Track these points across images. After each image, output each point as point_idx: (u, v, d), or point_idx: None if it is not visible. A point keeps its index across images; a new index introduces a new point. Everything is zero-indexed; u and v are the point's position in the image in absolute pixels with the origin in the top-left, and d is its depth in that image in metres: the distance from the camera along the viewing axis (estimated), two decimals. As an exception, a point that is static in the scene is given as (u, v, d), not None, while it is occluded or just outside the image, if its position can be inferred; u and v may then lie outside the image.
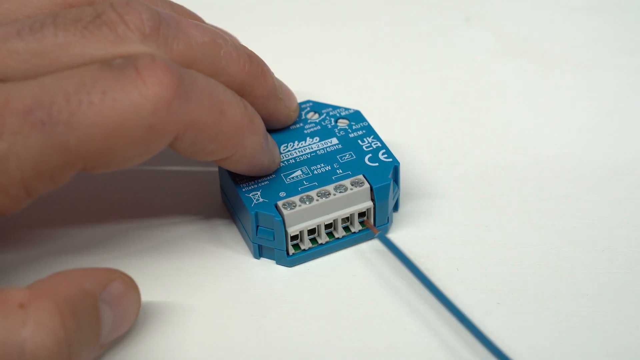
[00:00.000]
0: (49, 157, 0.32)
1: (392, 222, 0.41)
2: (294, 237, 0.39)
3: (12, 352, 0.31)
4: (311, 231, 0.39)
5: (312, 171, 0.39)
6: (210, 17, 0.42)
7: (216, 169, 0.42)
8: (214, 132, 0.35)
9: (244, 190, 0.39)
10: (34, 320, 0.31)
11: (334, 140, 0.41)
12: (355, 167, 0.39)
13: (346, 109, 0.42)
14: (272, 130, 0.41)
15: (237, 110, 0.36)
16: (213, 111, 0.35)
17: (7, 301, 0.31)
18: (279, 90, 0.40)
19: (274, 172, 0.39)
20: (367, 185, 0.39)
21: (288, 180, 0.39)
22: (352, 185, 0.39)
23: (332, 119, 0.42)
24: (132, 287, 0.36)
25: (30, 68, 0.34)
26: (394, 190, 0.40)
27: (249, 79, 0.38)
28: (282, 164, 0.40)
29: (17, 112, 0.32)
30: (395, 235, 0.40)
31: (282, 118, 0.41)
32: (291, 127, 0.41)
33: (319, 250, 0.39)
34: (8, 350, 0.31)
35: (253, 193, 0.38)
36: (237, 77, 0.38)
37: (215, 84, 0.36)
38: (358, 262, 0.39)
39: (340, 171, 0.39)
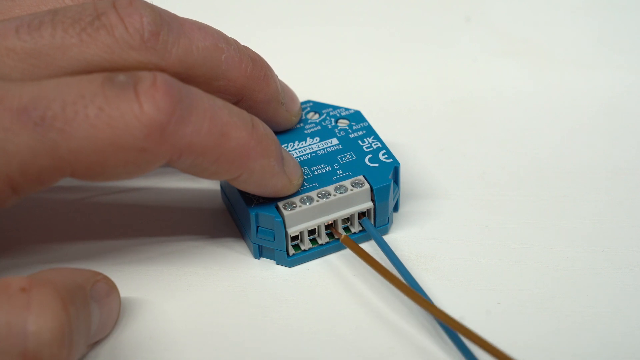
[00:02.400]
0: (37, 159, 0.33)
1: (392, 222, 0.41)
2: (294, 238, 0.39)
3: (17, 333, 0.31)
4: (311, 232, 0.39)
5: (313, 172, 0.39)
6: (210, 18, 0.42)
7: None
8: (215, 155, 0.35)
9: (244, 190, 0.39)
10: (37, 304, 0.31)
11: (334, 141, 0.41)
12: (355, 168, 0.39)
13: (346, 109, 0.42)
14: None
15: (242, 133, 0.35)
16: (213, 135, 0.35)
17: (8, 286, 0.32)
18: (281, 95, 0.40)
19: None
20: (367, 185, 0.39)
21: (288, 180, 0.39)
22: (353, 185, 0.39)
23: (333, 119, 0.42)
24: (114, 289, 0.36)
25: (26, 68, 0.34)
26: (394, 191, 0.40)
27: (251, 83, 0.38)
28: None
29: (11, 109, 0.32)
30: (395, 235, 0.40)
31: (282, 122, 0.40)
32: (291, 127, 0.41)
33: (319, 251, 0.39)
34: (12, 332, 0.31)
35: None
36: (238, 81, 0.38)
37: (220, 105, 0.35)
38: (358, 262, 0.39)
39: (341, 172, 0.39)
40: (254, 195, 0.38)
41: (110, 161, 0.33)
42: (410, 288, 0.36)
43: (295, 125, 0.41)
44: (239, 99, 0.38)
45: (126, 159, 0.33)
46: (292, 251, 0.39)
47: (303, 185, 0.39)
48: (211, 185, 0.42)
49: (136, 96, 0.33)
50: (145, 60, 0.35)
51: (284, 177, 0.37)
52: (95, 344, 0.36)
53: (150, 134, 0.33)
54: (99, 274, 0.35)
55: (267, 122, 0.38)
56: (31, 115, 0.32)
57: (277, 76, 0.40)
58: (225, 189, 0.41)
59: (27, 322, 0.31)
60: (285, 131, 0.41)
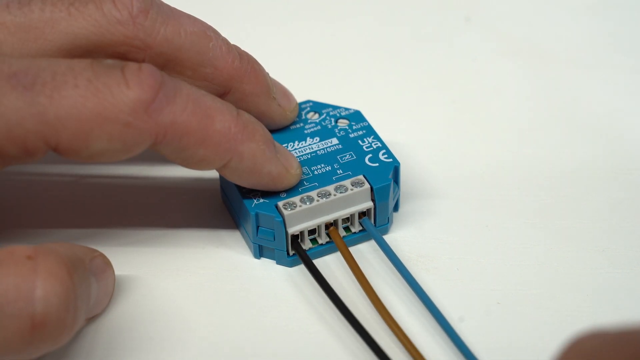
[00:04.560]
0: (24, 121, 0.33)
1: (392, 222, 0.41)
2: (294, 237, 0.39)
3: (25, 298, 0.32)
4: (311, 231, 0.39)
5: (313, 171, 0.39)
6: (208, 17, 0.42)
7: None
8: (200, 136, 0.35)
9: (244, 190, 0.39)
10: (43, 270, 0.32)
11: (334, 141, 0.41)
12: (355, 168, 0.39)
13: (346, 109, 0.42)
14: (270, 130, 0.40)
15: (227, 116, 0.36)
16: (197, 115, 0.35)
17: (14, 253, 0.32)
18: (272, 90, 0.40)
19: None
20: (367, 185, 0.39)
21: (288, 180, 0.39)
22: (353, 185, 0.39)
23: (332, 119, 0.42)
24: (109, 266, 0.37)
25: (17, 42, 0.35)
26: (394, 191, 0.40)
27: (238, 73, 0.38)
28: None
29: (1, 73, 0.33)
30: (395, 235, 0.40)
31: (276, 117, 0.40)
32: (291, 127, 0.41)
33: (319, 251, 0.39)
34: (21, 296, 0.32)
35: (253, 193, 0.38)
36: (225, 70, 0.38)
37: (203, 93, 0.36)
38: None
39: (341, 171, 0.39)
40: (254, 192, 0.38)
41: (95, 133, 0.34)
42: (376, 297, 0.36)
43: (293, 123, 0.41)
44: (227, 90, 0.39)
45: (111, 133, 0.34)
46: (292, 251, 0.39)
47: (303, 184, 0.39)
48: (211, 184, 0.42)
49: (123, 75, 0.34)
50: (132, 35, 0.36)
51: (279, 164, 0.38)
52: (92, 319, 0.36)
53: (136, 109, 0.34)
54: (96, 250, 0.36)
55: (260, 117, 0.39)
56: (21, 79, 0.33)
57: (267, 73, 0.40)
58: (225, 188, 0.41)
59: (35, 287, 0.32)
60: (285, 130, 0.41)
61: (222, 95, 0.38)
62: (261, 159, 0.37)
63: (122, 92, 0.34)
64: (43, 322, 0.32)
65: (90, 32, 0.36)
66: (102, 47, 0.36)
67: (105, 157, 0.35)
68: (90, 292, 0.35)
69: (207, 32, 0.38)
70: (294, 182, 0.38)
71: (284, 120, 0.41)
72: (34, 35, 0.35)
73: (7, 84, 0.33)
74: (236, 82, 0.38)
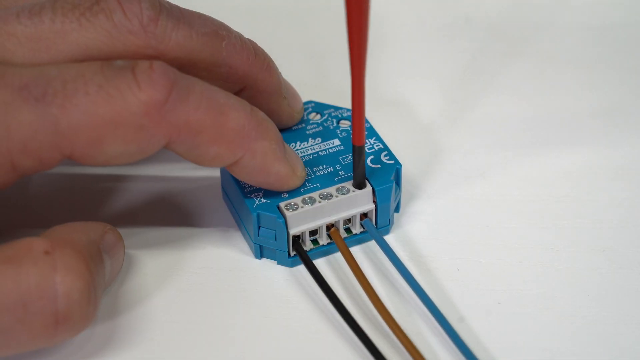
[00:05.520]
0: (37, 134, 0.33)
1: (393, 223, 0.41)
2: (295, 238, 0.39)
3: (47, 296, 0.32)
4: (312, 232, 0.39)
5: (314, 172, 0.39)
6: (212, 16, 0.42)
7: (217, 169, 0.42)
8: (214, 134, 0.35)
9: (246, 190, 0.39)
10: (62, 265, 0.33)
11: (336, 142, 0.41)
12: (357, 169, 0.39)
13: (348, 110, 0.42)
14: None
15: (241, 113, 0.36)
16: (211, 113, 0.35)
17: (31, 249, 0.33)
18: (284, 89, 0.40)
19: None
20: (369, 187, 0.39)
21: (290, 181, 0.39)
22: (354, 187, 0.39)
23: (334, 120, 0.42)
24: (120, 239, 0.37)
25: (27, 52, 0.35)
26: (395, 192, 0.40)
27: (253, 71, 0.38)
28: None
29: (12, 86, 0.33)
30: (396, 235, 0.40)
31: (284, 117, 0.40)
32: (293, 128, 0.41)
33: (320, 251, 0.39)
34: (43, 295, 0.32)
35: (255, 194, 0.38)
36: (240, 69, 0.38)
37: (216, 89, 0.36)
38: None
39: (342, 173, 0.39)
40: (256, 193, 0.38)
41: (109, 138, 0.34)
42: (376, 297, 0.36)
43: (297, 124, 0.41)
44: (241, 88, 0.38)
45: (125, 137, 0.34)
46: (293, 252, 0.39)
47: (305, 185, 0.39)
48: (212, 184, 0.42)
49: (134, 76, 0.34)
50: (144, 44, 0.36)
51: (287, 164, 0.38)
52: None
53: (149, 112, 0.34)
54: (107, 225, 0.36)
55: (269, 115, 0.38)
56: (32, 91, 0.33)
57: (279, 72, 0.40)
58: (226, 187, 0.41)
59: (56, 284, 0.32)
60: (287, 131, 0.41)
61: (238, 92, 0.38)
62: (272, 158, 0.37)
63: (134, 94, 0.33)
64: (66, 317, 0.33)
65: (101, 43, 0.35)
66: (113, 58, 0.35)
67: (121, 161, 0.35)
68: (105, 275, 0.35)
69: (219, 31, 0.37)
70: (298, 184, 0.38)
71: (290, 120, 0.41)
72: (45, 45, 0.35)
73: (18, 97, 0.33)
74: (251, 79, 0.38)
